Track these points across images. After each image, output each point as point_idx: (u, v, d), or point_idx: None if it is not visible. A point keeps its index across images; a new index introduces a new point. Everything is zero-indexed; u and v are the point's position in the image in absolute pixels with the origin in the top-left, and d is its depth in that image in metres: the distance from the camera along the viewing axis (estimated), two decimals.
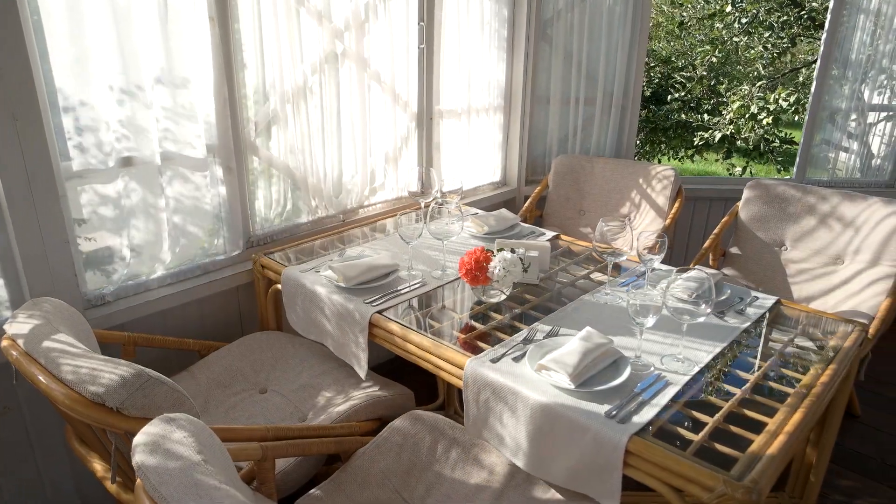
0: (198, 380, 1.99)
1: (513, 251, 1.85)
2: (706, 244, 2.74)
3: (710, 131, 5.43)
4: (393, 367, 2.81)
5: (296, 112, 2.26)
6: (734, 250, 2.80)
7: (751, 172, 5.70)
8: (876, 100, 3.33)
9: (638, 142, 6.31)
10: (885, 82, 3.29)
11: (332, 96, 2.37)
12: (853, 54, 3.22)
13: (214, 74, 2.02)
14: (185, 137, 2.01)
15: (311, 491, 1.54)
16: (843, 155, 3.45)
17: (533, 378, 1.49)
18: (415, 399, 2.49)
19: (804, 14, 5.02)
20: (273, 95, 2.20)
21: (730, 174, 5.75)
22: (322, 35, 2.28)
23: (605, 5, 3.07)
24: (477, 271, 1.77)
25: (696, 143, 5.72)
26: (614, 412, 1.37)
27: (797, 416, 1.40)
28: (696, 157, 6.40)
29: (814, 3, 5.02)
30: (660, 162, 6.66)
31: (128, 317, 1.99)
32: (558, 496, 1.50)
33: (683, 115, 5.75)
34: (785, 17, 5.04)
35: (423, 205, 2.25)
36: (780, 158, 5.49)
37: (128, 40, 1.80)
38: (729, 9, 5.29)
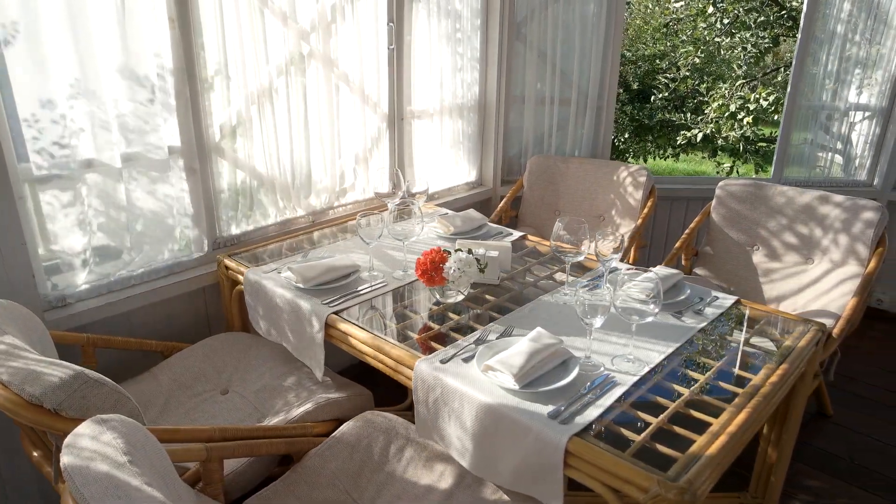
0: (159, 381, 1.99)
1: (470, 252, 1.85)
2: (677, 244, 2.73)
3: (693, 130, 5.44)
4: (365, 368, 2.80)
5: (261, 113, 2.26)
6: (706, 250, 2.80)
7: (738, 171, 5.71)
8: (854, 99, 3.32)
9: (623, 140, 6.32)
10: (864, 81, 3.28)
11: (299, 97, 2.37)
12: (831, 53, 3.22)
13: (175, 76, 2.02)
14: (147, 139, 2.01)
15: (260, 491, 1.54)
16: (822, 154, 3.44)
17: (480, 379, 1.49)
18: (386, 400, 2.50)
19: (784, 14, 5.02)
20: (237, 97, 2.20)
21: (717, 173, 5.75)
22: (287, 36, 2.28)
23: (578, 5, 3.07)
24: (433, 272, 1.77)
25: (679, 142, 5.74)
26: (557, 413, 1.38)
27: (741, 417, 1.39)
28: (684, 156, 6.41)
29: (793, 3, 5.03)
30: (646, 161, 6.67)
31: (90, 318, 1.99)
32: (506, 497, 1.50)
33: (667, 114, 5.76)
34: (764, 17, 5.04)
35: (388, 206, 2.25)
36: (762, 157, 5.49)
37: (85, 41, 1.81)
38: (711, 9, 5.29)
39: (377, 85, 2.64)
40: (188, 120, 2.10)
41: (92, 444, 1.08)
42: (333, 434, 1.68)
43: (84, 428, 1.12)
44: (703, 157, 5.99)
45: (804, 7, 3.09)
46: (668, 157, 6.20)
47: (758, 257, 2.69)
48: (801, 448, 2.45)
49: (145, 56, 1.94)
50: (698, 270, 2.81)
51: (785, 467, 1.95)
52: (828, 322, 2.32)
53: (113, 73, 1.88)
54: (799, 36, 3.18)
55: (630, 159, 6.54)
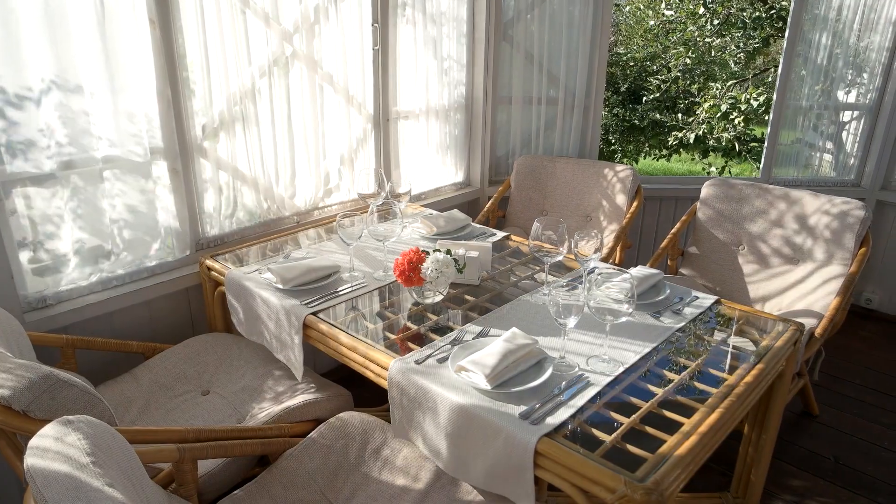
0: (140, 382, 2.00)
1: (449, 252, 1.85)
2: (663, 244, 2.73)
3: (684, 131, 5.45)
4: (351, 369, 2.80)
5: (244, 114, 2.27)
6: (692, 250, 2.80)
7: (729, 171, 5.71)
8: (842, 98, 3.32)
9: (615, 141, 6.32)
10: (853, 81, 3.28)
11: (283, 98, 2.37)
12: (819, 53, 3.22)
13: (157, 77, 2.03)
14: (128, 140, 2.01)
15: (235, 492, 1.54)
16: (811, 153, 3.44)
17: (453, 379, 1.49)
18: (371, 401, 2.50)
19: (773, 14, 5.02)
20: (220, 98, 2.20)
21: (707, 173, 5.75)
22: (270, 37, 2.28)
23: (565, 6, 3.07)
24: (410, 272, 1.77)
25: (671, 143, 5.74)
26: (528, 413, 1.38)
27: (713, 417, 1.39)
28: (678, 157, 6.41)
29: (783, 2, 5.02)
30: (637, 161, 6.67)
31: (71, 319, 2.00)
32: (480, 498, 1.50)
33: (659, 115, 5.77)
34: (756, 14, 5.04)
35: (375, 207, 2.25)
36: (754, 157, 5.49)
37: (65, 42, 1.81)
38: (701, 10, 5.29)
39: (362, 86, 2.65)
40: (170, 121, 2.10)
41: (55, 446, 1.08)
42: (310, 434, 1.68)
43: (49, 429, 1.12)
44: (693, 159, 6.00)
45: (791, 6, 3.09)
46: (660, 157, 6.21)
47: (743, 257, 2.69)
48: (785, 448, 2.45)
49: (126, 57, 1.94)
50: (684, 270, 2.81)
51: (765, 467, 1.95)
52: (812, 322, 2.33)
53: (93, 75, 1.88)
54: (786, 35, 3.18)
55: (624, 160, 6.54)
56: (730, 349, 1.71)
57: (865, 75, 3.25)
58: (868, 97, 3.28)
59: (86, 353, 2.06)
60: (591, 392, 1.46)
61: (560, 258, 1.86)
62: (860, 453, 2.43)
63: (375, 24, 2.61)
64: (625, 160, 6.56)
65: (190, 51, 2.11)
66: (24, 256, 1.92)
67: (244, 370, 2.05)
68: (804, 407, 2.68)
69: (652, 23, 6.10)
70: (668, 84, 5.82)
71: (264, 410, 1.83)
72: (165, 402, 1.94)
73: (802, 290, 2.52)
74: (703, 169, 5.95)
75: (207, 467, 1.59)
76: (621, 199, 2.87)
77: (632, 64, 6.22)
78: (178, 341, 2.17)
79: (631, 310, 1.51)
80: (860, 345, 3.24)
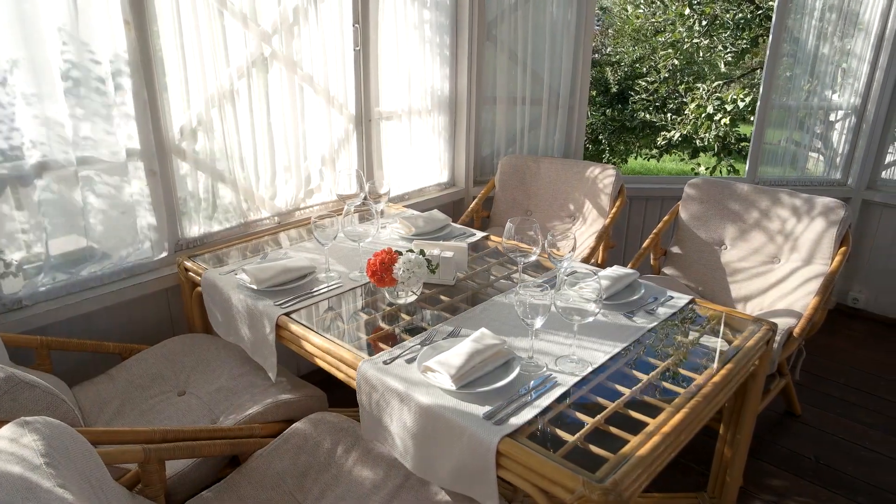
0: (116, 382, 2.00)
1: (422, 252, 1.85)
2: (645, 244, 2.73)
3: (671, 131, 5.45)
4: None
5: (223, 115, 2.27)
6: (675, 249, 2.80)
7: (720, 171, 5.72)
8: (828, 98, 3.32)
9: (604, 140, 6.33)
10: (838, 80, 3.28)
11: (262, 99, 2.37)
12: (805, 53, 3.21)
13: (133, 78, 2.03)
14: (104, 141, 2.01)
15: (203, 493, 1.54)
16: (797, 152, 3.44)
17: (421, 380, 1.49)
18: (348, 402, 2.50)
19: (761, 13, 5.01)
20: (197, 99, 2.20)
21: (695, 173, 5.76)
22: (248, 38, 2.28)
23: (549, 6, 3.06)
24: (382, 273, 1.77)
25: (659, 143, 5.75)
26: (492, 414, 1.38)
27: (677, 417, 1.39)
28: (668, 157, 6.41)
29: (770, 3, 5.02)
30: (626, 161, 6.67)
31: (47, 320, 2.00)
32: (447, 498, 1.50)
33: (648, 115, 5.77)
34: (741, 15, 5.05)
35: (351, 207, 2.25)
36: (743, 157, 5.50)
37: (38, 44, 1.81)
38: (687, 11, 5.29)
39: (343, 86, 2.65)
40: (146, 122, 2.10)
41: (10, 447, 1.08)
42: (281, 434, 1.68)
43: (6, 430, 1.12)
44: (683, 160, 5.99)
45: (775, 6, 3.09)
46: (650, 157, 6.22)
47: (726, 257, 2.69)
48: (766, 447, 2.45)
49: (101, 58, 1.95)
50: (667, 270, 2.80)
51: (740, 466, 1.95)
52: (792, 321, 2.33)
53: (67, 76, 1.88)
54: (770, 35, 3.17)
55: (614, 160, 6.55)
56: (701, 349, 1.71)
57: (851, 75, 3.25)
58: (854, 97, 3.27)
59: (63, 354, 2.06)
60: (557, 392, 1.46)
61: (534, 258, 1.86)
62: (841, 453, 2.43)
63: (356, 25, 2.62)
64: (615, 160, 6.56)
65: (167, 52, 2.11)
66: None
67: (221, 371, 2.05)
68: (787, 407, 2.68)
69: (639, 21, 6.10)
70: (656, 85, 5.82)
71: (239, 411, 1.83)
72: (141, 403, 1.94)
73: (783, 289, 2.52)
74: (693, 169, 5.96)
75: (177, 468, 1.59)
76: (605, 199, 2.87)
77: (622, 65, 6.23)
78: (158, 342, 2.17)
79: (598, 310, 1.51)
80: (845, 344, 3.24)
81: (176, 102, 2.18)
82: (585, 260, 2.68)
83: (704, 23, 5.26)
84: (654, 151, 6.08)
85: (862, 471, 2.34)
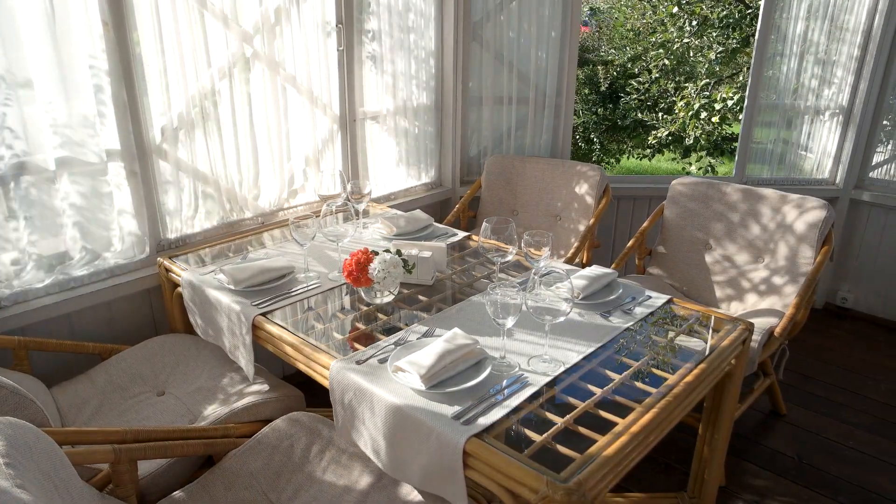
0: (95, 383, 2.00)
1: (399, 252, 1.85)
2: (630, 243, 2.73)
3: (661, 130, 5.45)
4: None
5: (204, 116, 2.27)
6: (660, 249, 2.80)
7: (712, 170, 5.72)
8: (816, 97, 3.31)
9: (595, 140, 6.32)
10: (827, 80, 3.27)
11: (244, 100, 2.37)
12: (792, 53, 3.21)
13: (111, 78, 2.03)
14: (83, 142, 2.01)
15: (175, 493, 1.54)
16: (785, 152, 3.43)
17: (392, 380, 1.49)
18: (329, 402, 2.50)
19: (750, 12, 5.01)
20: (178, 99, 2.20)
21: (687, 173, 5.75)
22: (230, 39, 2.28)
23: (534, 5, 3.06)
24: (358, 273, 1.77)
25: (650, 142, 5.75)
26: (461, 414, 1.38)
27: (646, 417, 1.39)
28: (661, 156, 6.41)
29: (759, 2, 5.02)
30: (618, 161, 6.67)
31: (26, 321, 2.00)
32: (419, 498, 1.50)
33: (639, 114, 5.77)
34: (728, 14, 5.04)
35: (332, 208, 2.25)
36: (732, 156, 5.50)
37: (13, 46, 1.81)
38: (676, 10, 5.28)
39: (327, 87, 2.65)
40: (126, 123, 2.10)
41: None
42: (255, 435, 1.68)
43: None
44: (674, 159, 5.98)
45: (762, 5, 3.09)
46: (644, 157, 6.22)
47: (710, 256, 2.69)
48: (750, 447, 2.45)
49: (79, 59, 1.95)
50: (652, 270, 2.80)
51: (719, 466, 1.95)
52: (774, 321, 2.32)
53: (45, 77, 1.89)
54: (756, 35, 3.17)
55: (606, 159, 6.54)
56: (675, 349, 1.70)
57: (838, 75, 3.24)
58: (841, 96, 3.27)
59: (43, 355, 2.06)
60: (527, 392, 1.46)
61: (510, 258, 1.86)
62: (825, 452, 2.43)
63: (340, 25, 2.62)
64: (607, 160, 6.55)
65: (146, 53, 2.11)
66: None
67: (200, 371, 2.05)
68: (772, 406, 2.67)
69: (629, 22, 6.11)
70: (647, 84, 5.82)
71: (217, 411, 1.84)
72: (119, 403, 1.94)
73: (767, 288, 2.51)
74: (684, 168, 5.96)
75: (150, 468, 1.60)
76: (590, 199, 2.87)
77: (615, 64, 6.23)
78: (140, 342, 2.17)
79: (569, 310, 1.51)
80: (833, 344, 3.24)
81: (156, 103, 2.18)
82: (570, 260, 2.68)
83: (695, 23, 5.25)
84: (647, 151, 6.08)
85: (846, 470, 2.34)
